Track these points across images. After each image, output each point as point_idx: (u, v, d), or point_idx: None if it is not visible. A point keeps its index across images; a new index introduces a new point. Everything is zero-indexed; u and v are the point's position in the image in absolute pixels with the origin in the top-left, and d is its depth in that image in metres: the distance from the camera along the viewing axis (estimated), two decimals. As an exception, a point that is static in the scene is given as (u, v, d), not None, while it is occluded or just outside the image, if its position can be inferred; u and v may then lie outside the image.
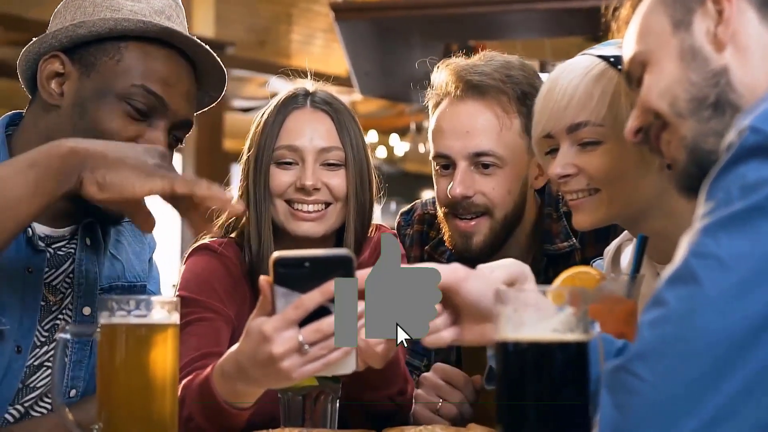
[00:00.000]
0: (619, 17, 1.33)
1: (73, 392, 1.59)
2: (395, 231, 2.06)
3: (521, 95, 1.85)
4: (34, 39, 1.55)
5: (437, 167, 1.91)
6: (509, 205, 1.86)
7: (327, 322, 1.17)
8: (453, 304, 1.19)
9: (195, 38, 1.56)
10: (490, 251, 1.85)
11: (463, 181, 1.83)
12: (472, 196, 1.84)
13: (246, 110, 8.83)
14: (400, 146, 10.51)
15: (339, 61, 5.86)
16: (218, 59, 1.62)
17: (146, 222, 1.37)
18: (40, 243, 1.54)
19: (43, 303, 1.55)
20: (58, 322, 1.57)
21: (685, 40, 1.18)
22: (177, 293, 1.73)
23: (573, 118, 1.49)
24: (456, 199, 1.84)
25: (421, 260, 2.04)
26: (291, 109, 1.80)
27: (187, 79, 1.58)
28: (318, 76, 1.89)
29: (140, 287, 1.71)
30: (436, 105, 1.91)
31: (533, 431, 0.96)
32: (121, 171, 1.29)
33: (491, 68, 1.85)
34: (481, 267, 1.26)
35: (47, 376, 1.56)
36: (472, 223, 1.86)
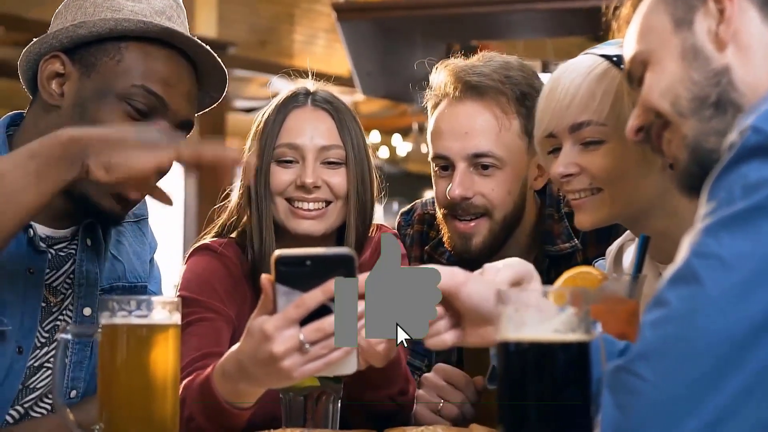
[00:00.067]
0: (619, 16, 1.33)
1: (73, 393, 1.59)
2: (396, 231, 2.06)
3: (520, 96, 1.84)
4: (34, 39, 1.55)
5: (436, 168, 1.91)
6: (509, 206, 1.85)
7: (328, 322, 1.17)
8: (454, 307, 1.19)
9: (196, 39, 1.56)
10: (490, 252, 1.85)
11: (462, 183, 1.83)
12: (471, 197, 1.84)
13: (248, 110, 8.82)
14: (402, 146, 10.51)
15: (341, 61, 5.86)
16: (219, 60, 1.62)
17: (164, 196, 1.39)
18: (42, 244, 1.54)
19: (43, 304, 1.55)
20: (58, 323, 1.57)
21: (687, 39, 1.18)
22: (177, 293, 1.73)
23: (575, 118, 1.49)
24: (455, 200, 1.84)
25: (421, 260, 2.04)
26: (292, 108, 1.80)
27: (188, 79, 1.58)
28: (320, 77, 1.89)
29: (141, 288, 1.71)
30: (435, 106, 1.91)
31: (534, 431, 0.96)
32: (124, 150, 1.30)
33: (490, 69, 1.85)
34: (487, 266, 1.26)
35: (47, 377, 1.56)
36: (472, 224, 1.86)
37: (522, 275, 1.25)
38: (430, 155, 1.91)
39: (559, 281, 1.40)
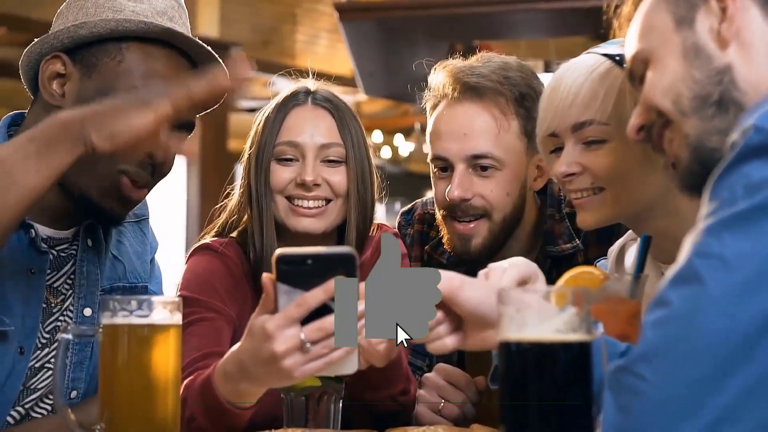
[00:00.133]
0: (621, 15, 1.32)
1: (73, 393, 1.59)
2: (397, 230, 2.06)
3: (519, 97, 1.84)
4: (36, 39, 1.55)
5: (435, 169, 1.90)
6: (508, 207, 1.85)
7: (329, 321, 1.18)
8: (454, 311, 1.19)
9: (197, 39, 1.56)
10: (489, 253, 1.84)
11: (461, 184, 1.83)
12: (470, 198, 1.83)
13: (251, 110, 8.83)
14: (404, 146, 10.51)
15: (343, 62, 5.86)
16: (221, 60, 1.61)
17: (185, 148, 1.38)
18: (43, 245, 1.54)
19: (44, 305, 1.55)
20: (59, 323, 1.57)
21: (688, 38, 1.17)
22: (178, 293, 1.73)
23: (578, 117, 1.49)
24: (454, 201, 1.83)
25: (422, 260, 2.04)
26: (292, 106, 1.80)
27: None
28: (322, 77, 1.89)
29: (141, 288, 1.71)
30: (434, 107, 1.90)
31: (536, 431, 0.96)
32: (121, 115, 1.29)
33: (488, 70, 1.84)
34: (493, 266, 1.27)
35: (48, 378, 1.56)
36: (471, 225, 1.85)
37: (528, 275, 1.25)
38: (429, 156, 1.91)
39: (561, 281, 1.40)
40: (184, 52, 1.58)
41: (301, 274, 1.18)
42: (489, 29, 4.10)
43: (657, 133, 1.24)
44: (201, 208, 7.44)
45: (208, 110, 1.74)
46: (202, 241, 1.83)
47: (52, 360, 1.55)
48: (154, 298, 1.18)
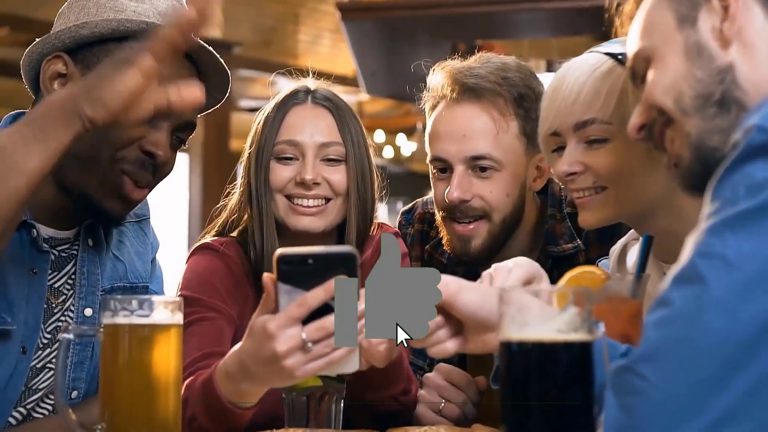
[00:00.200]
0: (622, 12, 1.32)
1: (74, 393, 1.59)
2: (397, 230, 2.06)
3: (518, 97, 1.84)
4: (37, 39, 1.55)
5: (434, 171, 1.90)
6: (508, 208, 1.85)
7: (330, 320, 1.18)
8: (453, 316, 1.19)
9: (199, 40, 1.56)
10: (489, 255, 1.84)
11: (461, 185, 1.82)
12: (469, 200, 1.83)
13: (253, 110, 8.83)
14: (406, 146, 10.51)
15: (346, 61, 5.86)
16: (222, 61, 1.61)
17: (191, 91, 1.33)
18: (45, 244, 1.54)
19: (45, 305, 1.55)
20: (60, 323, 1.57)
21: (691, 36, 1.17)
22: (179, 293, 1.73)
23: (580, 116, 1.49)
24: (453, 203, 1.83)
25: (422, 259, 2.04)
26: (291, 105, 1.80)
27: (191, 80, 1.58)
28: (325, 77, 1.89)
29: (142, 288, 1.71)
30: (433, 108, 1.90)
31: (537, 431, 0.96)
32: (107, 81, 1.27)
33: (487, 70, 1.84)
34: (497, 266, 1.27)
35: (50, 378, 1.55)
36: (471, 226, 1.85)
37: (532, 275, 1.26)
38: (429, 157, 1.91)
39: (563, 281, 1.40)
40: (186, 53, 1.57)
41: (301, 273, 1.18)
42: (491, 29, 4.10)
43: (658, 132, 1.24)
44: (203, 208, 7.45)
45: (209, 110, 1.75)
46: (203, 241, 1.83)
47: (54, 360, 1.55)
48: (155, 298, 1.18)
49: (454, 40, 4.11)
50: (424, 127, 1.98)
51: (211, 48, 1.58)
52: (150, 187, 1.58)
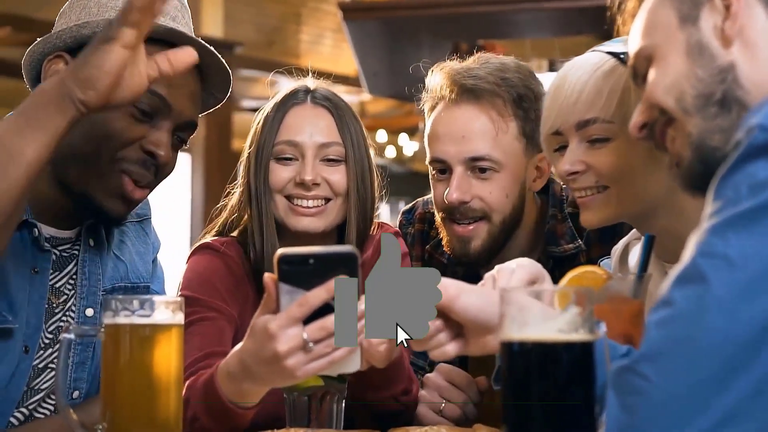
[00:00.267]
0: (624, 11, 1.32)
1: (75, 393, 1.59)
2: (398, 229, 2.06)
3: (517, 98, 1.83)
4: (38, 39, 1.55)
5: (434, 172, 1.90)
6: (507, 209, 1.85)
7: (331, 320, 1.18)
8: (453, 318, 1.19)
9: (200, 39, 1.56)
10: (489, 255, 1.84)
11: (460, 187, 1.82)
12: (469, 201, 1.83)
13: (255, 110, 8.83)
14: (409, 146, 10.50)
15: (348, 61, 5.86)
16: (223, 60, 1.61)
17: (182, 54, 1.31)
18: (46, 244, 1.54)
19: (46, 305, 1.55)
20: (61, 323, 1.57)
21: (692, 35, 1.17)
22: (179, 293, 1.73)
23: (582, 115, 1.49)
24: (453, 204, 1.83)
25: (422, 259, 2.04)
26: (291, 105, 1.80)
27: (192, 80, 1.58)
28: (327, 76, 1.88)
29: (143, 288, 1.71)
30: (432, 109, 1.90)
31: (538, 431, 0.96)
32: (91, 61, 1.27)
33: (486, 71, 1.84)
34: (500, 267, 1.27)
35: (51, 378, 1.55)
36: (470, 227, 1.85)
37: (535, 276, 1.26)
38: (428, 159, 1.91)
39: (564, 281, 1.40)
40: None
41: (302, 273, 1.18)
42: (493, 29, 4.09)
43: (659, 131, 1.24)
44: (205, 208, 7.45)
45: (211, 110, 1.75)
46: (203, 241, 1.83)
47: (56, 360, 1.55)
48: (156, 298, 1.18)
49: (456, 40, 4.11)
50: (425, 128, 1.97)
51: (212, 48, 1.58)
52: (151, 186, 1.58)
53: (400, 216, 2.14)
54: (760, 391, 0.89)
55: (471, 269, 1.89)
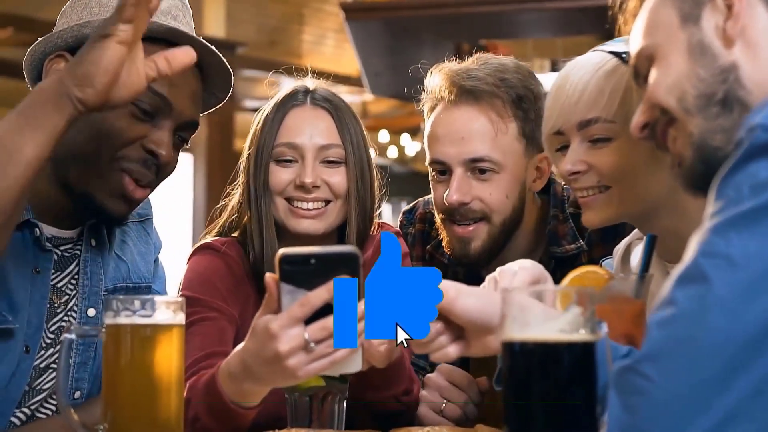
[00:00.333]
0: (626, 10, 1.31)
1: (77, 394, 1.59)
2: (398, 230, 2.05)
3: (516, 99, 1.83)
4: (39, 39, 1.55)
5: (434, 173, 1.90)
6: (507, 210, 1.84)
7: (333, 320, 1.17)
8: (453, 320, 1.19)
9: (201, 39, 1.56)
10: (489, 256, 1.84)
11: (460, 188, 1.82)
12: (469, 202, 1.83)
13: (257, 110, 8.83)
14: (411, 146, 10.49)
15: (350, 62, 5.86)
16: (224, 60, 1.61)
17: (181, 54, 1.31)
18: (47, 244, 1.54)
19: (48, 305, 1.55)
20: (63, 323, 1.57)
21: (694, 35, 1.16)
22: (180, 293, 1.73)
23: (584, 114, 1.49)
24: (453, 206, 1.83)
25: (423, 259, 2.04)
26: (291, 107, 1.79)
27: (193, 80, 1.58)
28: (329, 77, 1.88)
29: (145, 288, 1.71)
30: (431, 110, 1.90)
31: (539, 431, 0.95)
32: (89, 59, 1.27)
33: (485, 72, 1.83)
34: (502, 269, 1.27)
35: (53, 379, 1.56)
36: (470, 228, 1.85)
37: (537, 277, 1.26)
38: (428, 160, 1.91)
39: (566, 280, 1.40)
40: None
41: (304, 273, 1.18)
42: (495, 29, 4.09)
43: (661, 131, 1.23)
44: (207, 208, 7.45)
45: (212, 109, 1.74)
46: (204, 241, 1.83)
47: (57, 360, 1.55)
48: (157, 298, 1.18)
49: (458, 40, 4.11)
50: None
51: (213, 47, 1.58)
52: (152, 186, 1.58)
53: (400, 216, 2.14)
54: (762, 391, 0.89)
55: (472, 270, 1.89)
